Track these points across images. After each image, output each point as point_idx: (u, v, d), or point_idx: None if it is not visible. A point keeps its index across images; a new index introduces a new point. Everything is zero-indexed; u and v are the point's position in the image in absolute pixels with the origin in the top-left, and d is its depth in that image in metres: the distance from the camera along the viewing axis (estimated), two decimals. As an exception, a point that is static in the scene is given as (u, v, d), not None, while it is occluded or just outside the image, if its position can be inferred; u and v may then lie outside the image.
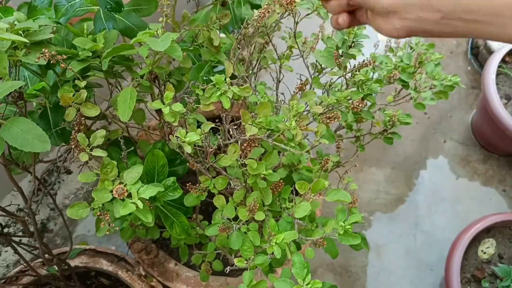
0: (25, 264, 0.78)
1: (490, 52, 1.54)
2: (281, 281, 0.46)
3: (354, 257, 1.28)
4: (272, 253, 0.47)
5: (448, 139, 1.49)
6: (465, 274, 1.04)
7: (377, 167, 1.43)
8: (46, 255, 0.76)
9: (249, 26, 0.76)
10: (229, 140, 0.52)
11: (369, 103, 0.61)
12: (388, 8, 0.40)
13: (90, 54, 0.50)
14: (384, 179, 1.42)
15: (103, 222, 0.47)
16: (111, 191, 0.45)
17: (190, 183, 0.57)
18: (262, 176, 0.51)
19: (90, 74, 0.53)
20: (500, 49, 1.32)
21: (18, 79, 0.53)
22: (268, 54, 0.79)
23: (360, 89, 0.58)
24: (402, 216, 1.36)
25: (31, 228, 0.76)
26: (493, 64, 1.26)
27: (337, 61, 0.55)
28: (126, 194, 0.45)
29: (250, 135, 0.47)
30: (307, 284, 0.45)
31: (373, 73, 0.79)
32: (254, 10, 0.79)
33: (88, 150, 0.47)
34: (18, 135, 0.43)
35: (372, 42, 0.87)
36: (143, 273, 0.92)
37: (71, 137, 0.48)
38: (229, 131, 0.53)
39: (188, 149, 0.47)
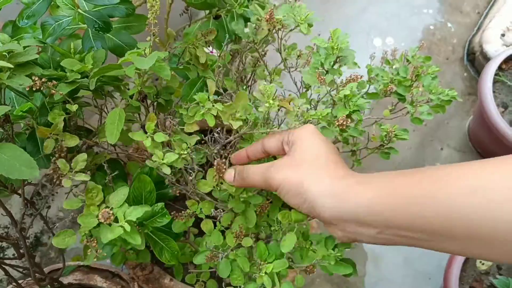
0: (15, 284, 0.76)
1: (486, 58, 1.53)
2: None
3: (352, 268, 1.27)
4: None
5: (445, 146, 1.48)
6: (463, 286, 1.03)
7: (374, 175, 1.42)
8: (38, 275, 0.75)
9: (240, 41, 0.75)
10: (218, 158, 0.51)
11: (356, 120, 0.60)
12: (328, 221, 0.42)
13: (79, 76, 0.48)
14: (381, 187, 1.41)
15: (90, 249, 0.46)
16: (97, 216, 0.44)
17: (179, 210, 0.55)
18: (243, 199, 0.49)
19: (80, 96, 0.52)
20: (496, 56, 1.32)
21: (4, 101, 0.51)
22: (262, 68, 0.78)
23: (346, 105, 0.56)
24: (400, 225, 1.35)
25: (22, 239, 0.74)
26: (489, 72, 1.25)
27: (319, 78, 0.54)
28: (112, 218, 0.44)
29: (237, 129, 0.47)
30: None
31: (369, 85, 0.78)
32: (248, 24, 0.77)
33: (71, 176, 0.46)
34: (4, 162, 0.42)
35: (368, 53, 0.85)
36: (138, 290, 0.90)
37: (51, 163, 0.46)
38: (218, 152, 0.52)
39: (166, 170, 0.46)
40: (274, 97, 0.48)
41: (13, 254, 0.73)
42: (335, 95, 0.55)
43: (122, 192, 0.46)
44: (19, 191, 0.62)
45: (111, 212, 0.44)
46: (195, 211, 0.53)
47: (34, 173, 0.43)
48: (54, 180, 0.48)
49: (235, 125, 0.49)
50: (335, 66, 0.61)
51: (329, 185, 0.41)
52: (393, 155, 0.73)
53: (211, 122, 0.49)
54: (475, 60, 1.63)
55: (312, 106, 0.61)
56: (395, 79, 0.74)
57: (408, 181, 0.38)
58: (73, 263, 0.93)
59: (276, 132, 0.49)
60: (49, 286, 0.80)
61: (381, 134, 0.69)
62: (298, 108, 0.50)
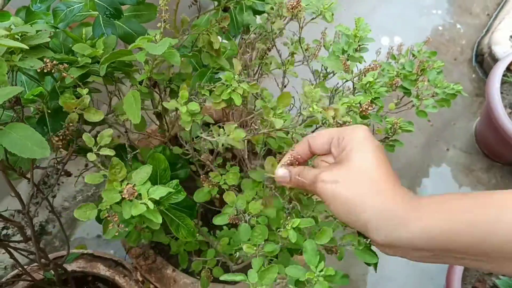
0: (21, 268, 0.77)
1: (494, 59, 1.53)
2: (293, 268, 0.44)
3: (354, 266, 1.27)
4: (286, 238, 0.46)
5: (451, 147, 1.48)
6: (466, 286, 1.02)
7: (379, 174, 1.42)
8: (43, 260, 0.76)
9: (251, 32, 0.75)
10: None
11: (377, 107, 0.61)
12: (381, 244, 0.41)
13: (90, 60, 0.49)
14: (386, 186, 1.40)
15: (111, 224, 0.46)
16: (120, 192, 0.44)
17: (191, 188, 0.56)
18: None
19: (90, 81, 0.52)
20: (504, 57, 1.31)
21: (16, 84, 0.52)
22: (270, 60, 0.79)
23: (367, 92, 0.58)
24: (404, 224, 1.35)
25: (28, 232, 0.76)
26: (497, 73, 1.25)
27: (344, 64, 0.55)
28: (136, 194, 0.44)
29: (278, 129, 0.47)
30: (320, 271, 0.43)
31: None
32: (257, 16, 0.78)
33: (96, 150, 0.47)
34: (17, 141, 0.42)
35: (374, 48, 0.86)
36: (141, 279, 0.91)
37: (55, 142, 0.47)
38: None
39: (241, 146, 0.47)
40: (317, 102, 0.47)
41: (18, 241, 0.74)
42: (358, 82, 0.56)
43: (145, 170, 0.47)
44: (27, 175, 0.63)
45: (135, 188, 0.45)
46: (219, 182, 0.54)
47: (45, 152, 0.44)
48: (64, 162, 0.49)
49: (277, 123, 0.48)
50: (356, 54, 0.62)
51: (384, 210, 0.40)
52: (399, 154, 0.73)
53: (238, 101, 0.49)
54: (483, 61, 1.62)
55: (330, 94, 0.62)
56: (401, 73, 0.74)
57: (469, 206, 0.37)
58: (77, 250, 0.94)
59: (324, 131, 0.46)
60: (52, 271, 0.81)
61: (386, 126, 0.69)
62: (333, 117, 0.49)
